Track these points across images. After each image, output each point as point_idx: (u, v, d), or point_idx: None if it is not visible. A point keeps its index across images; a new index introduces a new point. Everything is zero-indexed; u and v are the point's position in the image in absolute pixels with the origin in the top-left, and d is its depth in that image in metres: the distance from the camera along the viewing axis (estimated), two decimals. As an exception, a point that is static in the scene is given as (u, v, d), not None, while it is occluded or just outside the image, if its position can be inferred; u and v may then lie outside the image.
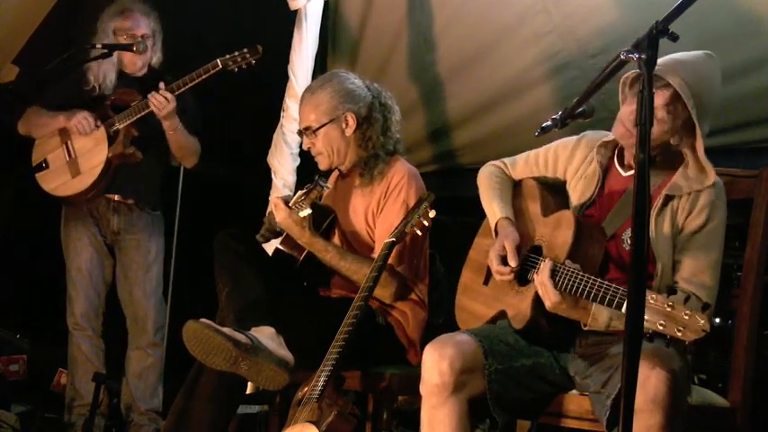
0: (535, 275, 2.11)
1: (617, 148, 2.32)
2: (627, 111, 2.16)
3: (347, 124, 2.75)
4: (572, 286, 2.01)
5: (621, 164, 2.29)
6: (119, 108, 3.38)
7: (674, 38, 1.59)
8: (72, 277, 3.47)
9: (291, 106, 3.72)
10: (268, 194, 3.82)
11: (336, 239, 2.82)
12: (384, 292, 2.63)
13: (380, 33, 4.00)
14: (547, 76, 3.54)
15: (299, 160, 3.81)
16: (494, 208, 2.43)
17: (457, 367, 2.05)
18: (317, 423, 2.14)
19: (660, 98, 2.08)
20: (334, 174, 2.95)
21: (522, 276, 2.25)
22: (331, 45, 4.20)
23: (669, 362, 1.88)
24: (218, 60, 3.19)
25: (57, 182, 3.42)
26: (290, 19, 3.75)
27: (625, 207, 2.19)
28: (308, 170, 3.32)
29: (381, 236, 2.63)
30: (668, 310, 1.75)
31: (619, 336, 2.07)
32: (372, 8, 3.95)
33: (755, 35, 2.94)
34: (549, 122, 2.05)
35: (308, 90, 2.84)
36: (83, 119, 3.35)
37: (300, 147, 3.41)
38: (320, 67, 4.00)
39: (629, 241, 2.16)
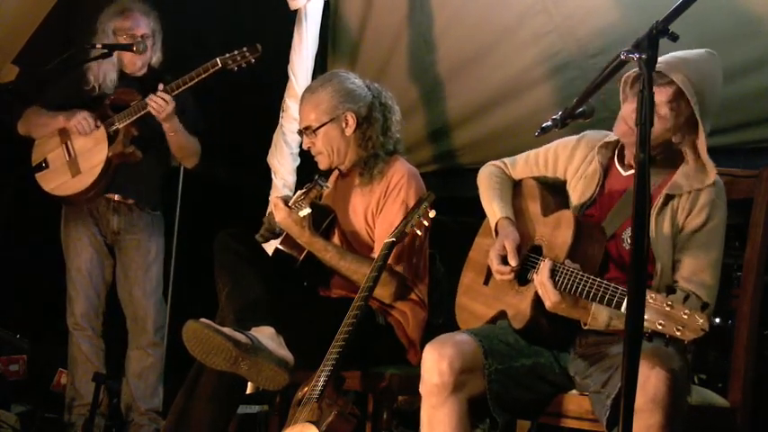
0: (535, 275, 2.11)
1: (617, 148, 2.32)
2: (629, 109, 2.16)
3: (347, 124, 2.75)
4: (571, 286, 2.01)
5: (622, 163, 2.30)
6: (118, 108, 3.38)
7: (674, 38, 1.59)
8: (72, 277, 3.47)
9: (291, 106, 3.72)
10: (268, 194, 3.82)
11: (336, 239, 2.82)
12: (384, 292, 2.63)
13: (380, 34, 4.00)
14: (547, 77, 3.54)
15: (299, 160, 3.81)
16: (494, 208, 2.43)
17: (456, 367, 2.05)
18: (317, 423, 2.14)
19: (663, 95, 2.08)
20: (334, 173, 2.95)
21: (522, 276, 2.25)
22: (331, 45, 4.20)
23: (669, 361, 1.88)
24: (217, 59, 3.19)
25: (57, 182, 3.41)
26: (290, 19, 3.75)
27: (625, 207, 2.19)
28: (308, 170, 3.33)
29: (381, 236, 2.63)
30: (667, 309, 1.75)
31: (619, 336, 2.07)
32: (372, 9, 3.95)
33: (755, 35, 2.94)
34: (549, 123, 2.05)
35: (309, 89, 2.84)
36: (82, 119, 3.35)
37: (300, 147, 3.41)
38: (320, 67, 4.00)
39: (629, 241, 2.16)
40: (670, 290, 2.03)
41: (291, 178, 3.83)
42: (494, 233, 2.40)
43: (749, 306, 2.26)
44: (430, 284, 2.79)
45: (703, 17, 2.79)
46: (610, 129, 2.30)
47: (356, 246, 2.77)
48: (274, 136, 3.85)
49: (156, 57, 3.52)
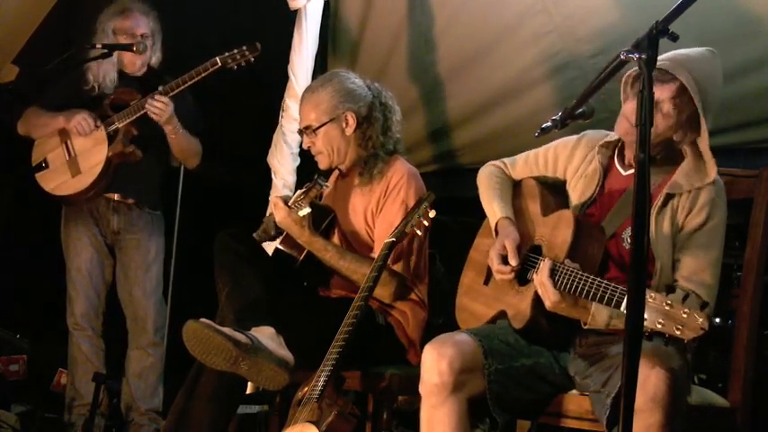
0: (535, 275, 2.11)
1: (617, 148, 2.32)
2: (630, 107, 2.16)
3: (347, 123, 2.75)
4: (571, 285, 2.01)
5: (622, 163, 2.30)
6: (118, 107, 3.38)
7: (674, 38, 1.59)
8: (72, 277, 3.47)
9: (291, 106, 3.72)
10: (268, 194, 3.82)
11: (336, 239, 2.82)
12: (384, 292, 2.63)
13: (380, 34, 4.00)
14: (547, 77, 3.54)
15: (299, 160, 3.81)
16: (494, 208, 2.43)
17: (456, 367, 2.05)
18: (317, 423, 2.14)
19: (666, 91, 2.09)
20: (334, 173, 2.95)
21: (523, 276, 2.25)
22: (331, 45, 4.20)
23: (669, 361, 1.88)
24: (217, 58, 3.18)
25: (56, 181, 3.41)
26: (290, 19, 3.75)
27: (625, 206, 2.19)
28: (308, 170, 3.32)
29: (381, 235, 2.63)
30: (667, 308, 1.75)
31: (618, 335, 2.07)
32: (372, 9, 3.95)
33: (755, 35, 2.94)
34: (549, 123, 2.05)
35: (309, 89, 2.84)
36: (82, 120, 3.35)
37: (300, 147, 3.41)
38: (320, 67, 4.00)
39: (629, 240, 2.16)
40: (670, 289, 2.04)
41: (291, 178, 3.83)
42: (494, 233, 2.40)
43: (749, 306, 2.26)
44: (430, 284, 2.79)
45: (703, 17, 2.79)
46: (610, 129, 2.30)
47: (356, 246, 2.77)
48: (274, 136, 3.85)
49: (155, 57, 3.53)
